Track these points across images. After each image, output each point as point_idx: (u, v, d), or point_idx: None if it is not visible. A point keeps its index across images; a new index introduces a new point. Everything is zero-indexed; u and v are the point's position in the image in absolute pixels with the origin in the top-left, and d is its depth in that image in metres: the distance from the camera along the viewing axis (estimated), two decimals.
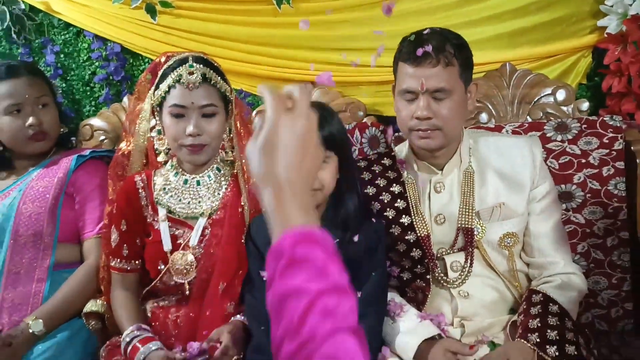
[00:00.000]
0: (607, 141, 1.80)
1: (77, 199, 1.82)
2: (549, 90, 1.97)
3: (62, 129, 1.94)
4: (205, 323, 1.54)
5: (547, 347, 1.30)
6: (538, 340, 1.32)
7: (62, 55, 2.25)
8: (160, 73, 1.60)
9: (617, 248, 1.79)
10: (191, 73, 1.55)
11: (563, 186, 1.81)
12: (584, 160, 1.81)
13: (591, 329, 1.77)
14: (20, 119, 1.81)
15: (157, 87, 1.60)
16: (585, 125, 1.83)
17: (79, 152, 1.91)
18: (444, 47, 1.44)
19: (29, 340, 1.58)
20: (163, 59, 1.64)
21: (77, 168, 1.84)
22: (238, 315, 1.55)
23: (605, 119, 1.82)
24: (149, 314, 1.62)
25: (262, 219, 1.54)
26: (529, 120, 1.96)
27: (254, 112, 2.11)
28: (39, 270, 1.73)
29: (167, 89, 1.56)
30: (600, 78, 2.02)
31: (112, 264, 1.64)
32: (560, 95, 1.96)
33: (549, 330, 1.33)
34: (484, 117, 2.02)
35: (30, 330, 1.59)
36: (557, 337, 1.32)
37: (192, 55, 1.60)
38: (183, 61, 1.57)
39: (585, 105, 1.96)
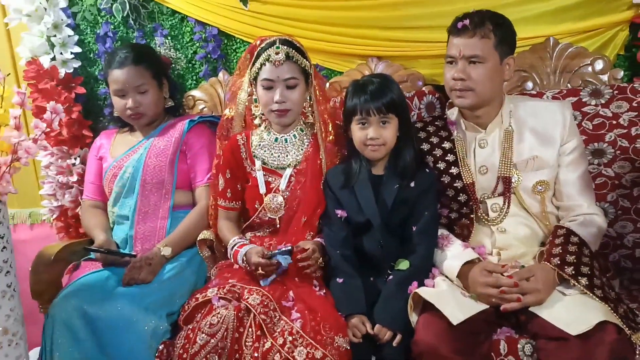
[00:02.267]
0: (636, 105, 2.07)
1: (188, 155, 2.26)
2: (587, 61, 2.23)
3: (169, 103, 2.35)
4: None
5: (565, 267, 1.63)
6: (558, 262, 1.64)
7: (169, 38, 2.70)
8: (255, 53, 2.01)
9: None
10: (277, 53, 1.95)
11: (596, 144, 2.10)
12: (614, 122, 2.09)
13: (617, 266, 2.07)
14: (124, 101, 2.23)
15: (253, 65, 2.01)
16: (617, 91, 2.10)
17: (189, 117, 2.35)
18: (483, 23, 1.78)
19: (161, 262, 2.05)
20: (258, 42, 2.04)
21: (189, 130, 2.28)
22: (318, 238, 1.96)
23: (635, 85, 2.09)
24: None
25: (336, 169, 1.96)
26: (569, 87, 2.24)
27: (327, 83, 2.47)
28: (162, 210, 2.20)
29: (259, 66, 1.97)
30: (636, 50, 2.25)
31: (219, 203, 2.10)
32: (598, 65, 2.22)
33: (568, 255, 1.65)
34: (529, 85, 2.30)
35: (162, 254, 2.06)
36: (575, 260, 1.64)
37: (279, 38, 2.00)
38: (272, 44, 1.97)
39: (620, 74, 2.21)
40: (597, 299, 1.57)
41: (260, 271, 1.83)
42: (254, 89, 2.04)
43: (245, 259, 1.89)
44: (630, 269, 2.08)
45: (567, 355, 1.51)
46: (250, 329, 1.72)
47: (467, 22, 1.78)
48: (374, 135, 1.84)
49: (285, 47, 1.96)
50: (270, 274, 1.85)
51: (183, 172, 2.25)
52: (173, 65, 2.68)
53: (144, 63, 2.25)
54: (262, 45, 2.00)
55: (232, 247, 1.97)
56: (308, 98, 2.05)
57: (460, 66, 1.81)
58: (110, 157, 2.30)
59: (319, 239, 1.95)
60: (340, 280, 1.84)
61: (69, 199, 2.59)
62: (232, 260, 1.97)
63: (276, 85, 1.96)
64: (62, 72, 2.61)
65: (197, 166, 2.25)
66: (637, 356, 1.55)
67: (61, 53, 2.61)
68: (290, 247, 1.84)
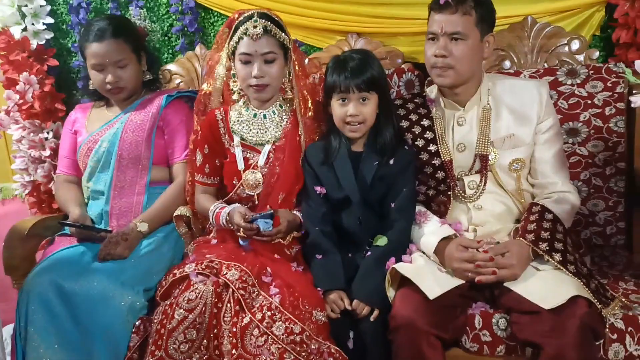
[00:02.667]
0: (610, 85, 2.11)
1: (166, 131, 2.23)
2: (564, 41, 2.25)
3: (147, 76, 2.29)
4: None
5: (540, 243, 1.66)
6: (533, 238, 1.68)
7: (144, 10, 2.64)
8: (233, 27, 1.98)
9: (614, 176, 2.11)
10: (255, 27, 1.91)
11: (571, 123, 2.13)
12: (589, 102, 2.12)
13: (588, 244, 2.13)
14: (103, 75, 2.17)
15: (230, 39, 1.97)
16: (592, 71, 2.13)
17: (167, 92, 2.31)
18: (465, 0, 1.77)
19: (137, 237, 2.03)
20: (236, 16, 2.00)
21: (166, 106, 2.24)
22: (296, 212, 1.97)
23: (609, 65, 2.12)
24: None
25: (315, 146, 1.96)
26: (546, 66, 2.26)
27: (307, 59, 2.45)
28: (138, 185, 2.17)
29: (237, 40, 1.94)
30: (612, 30, 2.28)
31: (197, 178, 2.08)
32: (574, 45, 2.24)
33: (542, 232, 1.69)
34: (507, 64, 2.32)
35: (138, 229, 2.04)
36: (549, 237, 1.67)
37: (258, 12, 1.97)
38: (250, 17, 1.94)
39: (596, 54, 2.24)
40: (570, 274, 1.61)
41: (241, 233, 1.85)
42: (232, 64, 2.01)
43: (227, 218, 1.90)
44: (601, 246, 2.14)
45: (539, 327, 1.55)
46: (228, 305, 1.72)
47: None
48: (354, 112, 1.84)
49: (263, 20, 1.93)
50: (251, 237, 1.86)
51: (160, 147, 2.22)
52: (148, 37, 2.63)
53: (123, 36, 2.19)
54: (240, 18, 1.97)
55: (214, 212, 1.96)
56: (287, 73, 2.03)
57: (442, 43, 1.81)
58: (85, 132, 2.26)
59: (297, 213, 1.96)
60: (319, 257, 1.85)
61: (41, 173, 2.55)
62: (214, 223, 1.97)
63: (254, 59, 1.93)
64: (33, 43, 2.55)
65: (175, 142, 2.23)
66: (607, 329, 1.60)
67: (33, 24, 2.54)
68: (271, 211, 1.86)
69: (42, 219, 2.20)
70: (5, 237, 2.04)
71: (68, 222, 2.06)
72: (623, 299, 1.68)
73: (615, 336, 1.60)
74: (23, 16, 2.52)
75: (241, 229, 1.84)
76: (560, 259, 1.63)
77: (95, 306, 1.82)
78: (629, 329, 1.60)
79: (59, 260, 1.92)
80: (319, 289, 1.79)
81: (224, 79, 2.09)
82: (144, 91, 2.32)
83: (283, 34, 1.97)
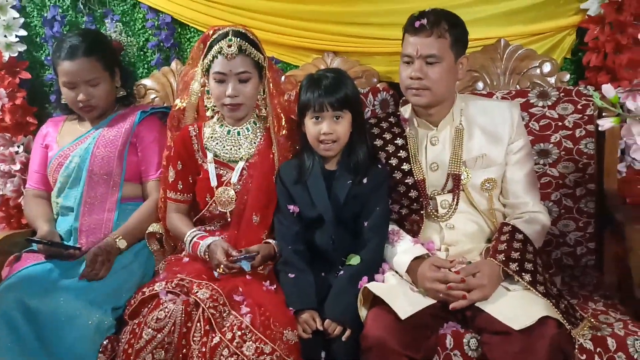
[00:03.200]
0: (580, 107, 2.15)
1: (139, 148, 2.19)
2: (536, 63, 2.29)
3: (121, 92, 2.25)
4: (244, 245, 1.90)
5: (510, 263, 1.67)
6: (503, 259, 1.68)
7: (120, 24, 2.62)
8: (208, 44, 1.97)
9: (585, 197, 2.14)
10: (230, 46, 1.90)
11: (542, 144, 2.16)
12: (560, 123, 2.16)
13: (559, 264, 2.15)
14: (74, 93, 2.13)
15: (205, 56, 1.96)
16: (563, 94, 2.17)
17: (141, 108, 2.29)
18: (439, 22, 1.80)
19: (116, 255, 1.99)
20: (211, 32, 1.99)
21: (140, 122, 2.20)
22: (270, 240, 1.95)
23: (580, 88, 2.16)
24: None
25: (289, 164, 1.95)
26: (518, 88, 2.29)
27: (283, 76, 2.45)
28: (109, 202, 2.13)
29: (211, 59, 1.93)
30: (582, 54, 2.33)
31: (169, 195, 2.06)
32: (546, 67, 2.28)
33: (512, 252, 1.69)
34: (480, 85, 2.35)
35: (117, 246, 2.00)
36: (519, 257, 1.68)
37: (233, 29, 1.95)
38: (224, 35, 1.93)
39: (567, 77, 2.29)
40: (540, 295, 1.62)
41: (220, 270, 1.82)
42: (206, 80, 2.00)
43: (208, 251, 1.86)
44: (571, 266, 2.16)
45: (509, 348, 1.55)
46: (198, 324, 1.69)
47: (424, 21, 1.79)
48: (328, 130, 1.84)
49: (238, 39, 1.92)
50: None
51: (132, 164, 2.19)
52: (124, 51, 2.61)
53: (96, 54, 2.14)
54: (215, 36, 1.96)
55: (191, 241, 1.93)
56: (261, 91, 2.02)
57: (417, 65, 1.82)
58: (56, 146, 2.22)
59: (270, 241, 1.94)
60: (291, 276, 1.83)
61: (11, 188, 2.50)
62: (191, 252, 1.93)
63: (228, 79, 1.92)
64: (6, 55, 2.52)
65: (149, 159, 2.19)
66: (576, 350, 1.61)
67: (5, 36, 2.52)
68: (255, 253, 1.83)
69: (9, 235, 2.17)
70: None
71: (36, 238, 2.01)
72: (592, 320, 1.69)
73: (584, 357, 1.61)
74: None
75: (221, 266, 1.81)
76: (530, 279, 1.64)
77: (61, 325, 1.79)
78: (598, 349, 1.62)
79: (25, 278, 1.88)
80: (290, 308, 1.77)
81: (199, 95, 2.07)
82: (118, 106, 2.30)
83: (258, 52, 1.96)
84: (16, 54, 2.55)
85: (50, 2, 2.61)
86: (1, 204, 2.57)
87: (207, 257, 1.87)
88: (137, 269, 2.03)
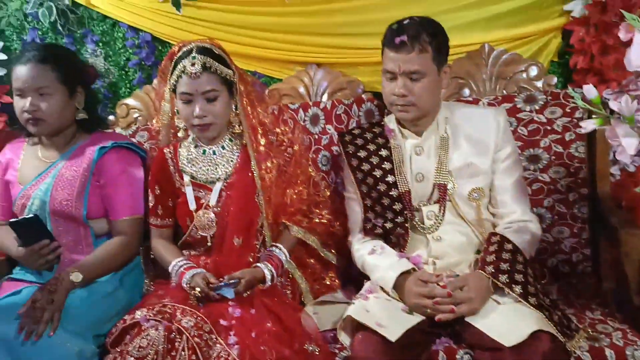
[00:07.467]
0: (569, 110, 2.09)
1: (102, 183, 1.99)
2: (522, 67, 2.24)
3: (80, 115, 2.02)
4: (229, 271, 1.82)
5: (500, 275, 1.61)
6: (492, 270, 1.62)
7: (100, 44, 2.59)
8: (173, 62, 1.89)
9: (578, 202, 2.08)
10: (193, 64, 1.82)
11: (531, 150, 2.11)
12: (549, 128, 2.10)
13: (556, 271, 2.09)
14: (22, 102, 1.94)
15: (171, 75, 1.88)
16: (550, 97, 2.12)
17: (103, 139, 2.05)
18: (419, 36, 1.74)
19: (67, 289, 1.81)
20: (176, 49, 1.92)
21: (101, 157, 1.99)
22: (259, 264, 1.86)
23: (568, 91, 2.11)
24: None
25: None
26: (505, 93, 2.24)
27: (266, 90, 2.40)
28: (84, 242, 1.99)
29: (176, 78, 1.85)
30: (570, 56, 2.29)
31: (151, 221, 1.99)
32: (532, 71, 2.23)
33: (502, 263, 1.63)
34: (466, 91, 2.30)
35: (70, 279, 1.83)
36: (509, 268, 1.62)
37: (197, 45, 1.87)
38: (188, 52, 1.85)
39: (554, 80, 2.23)
40: (532, 307, 1.56)
41: (194, 292, 1.76)
42: (175, 100, 1.93)
43: (190, 283, 1.80)
44: (568, 274, 2.10)
45: None
46: (183, 352, 1.62)
47: (404, 37, 1.73)
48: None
49: (202, 57, 1.83)
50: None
51: (97, 203, 2.00)
52: (105, 74, 2.57)
53: (52, 64, 1.95)
54: (179, 53, 1.88)
55: (177, 271, 1.85)
56: (234, 107, 1.94)
57: (401, 82, 1.76)
58: (17, 185, 2.05)
59: (259, 266, 1.86)
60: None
61: None
62: (176, 280, 1.85)
63: (195, 98, 1.83)
64: None
65: (116, 197, 1.99)
66: None
67: None
68: (237, 280, 1.76)
69: None
70: None
71: (19, 219, 1.89)
72: (589, 330, 1.64)
73: None
74: None
75: (196, 289, 1.75)
76: (521, 291, 1.58)
77: (42, 355, 1.72)
78: None
79: (4, 307, 1.82)
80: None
81: (169, 114, 2.01)
82: (80, 134, 2.09)
83: (225, 68, 1.87)
84: None
85: (30, 25, 2.58)
86: None
87: (188, 287, 1.80)
88: (122, 296, 1.94)
